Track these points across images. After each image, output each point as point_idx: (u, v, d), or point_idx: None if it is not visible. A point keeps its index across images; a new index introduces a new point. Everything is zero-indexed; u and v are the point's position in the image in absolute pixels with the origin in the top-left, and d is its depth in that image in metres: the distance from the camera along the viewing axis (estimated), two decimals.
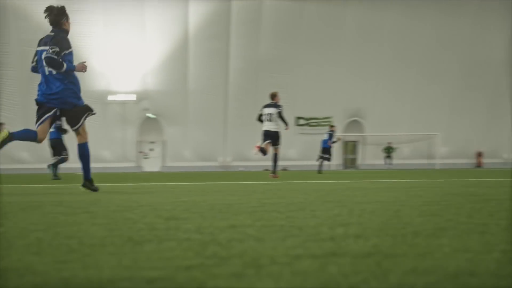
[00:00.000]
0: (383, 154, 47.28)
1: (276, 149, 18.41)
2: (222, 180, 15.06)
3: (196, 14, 44.23)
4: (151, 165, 46.78)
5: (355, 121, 48.23)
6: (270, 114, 18.26)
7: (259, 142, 18.40)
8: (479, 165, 47.24)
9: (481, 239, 3.05)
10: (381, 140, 47.29)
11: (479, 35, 44.31)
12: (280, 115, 18.15)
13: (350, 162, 49.67)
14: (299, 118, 47.39)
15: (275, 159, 18.43)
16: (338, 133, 47.44)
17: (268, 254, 2.63)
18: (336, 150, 48.50)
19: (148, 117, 46.43)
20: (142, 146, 47.49)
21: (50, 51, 8.47)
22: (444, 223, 3.84)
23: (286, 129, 18.29)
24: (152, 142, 47.62)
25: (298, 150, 46.20)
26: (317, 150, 30.96)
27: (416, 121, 46.75)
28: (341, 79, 46.32)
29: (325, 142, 28.88)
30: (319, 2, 44.66)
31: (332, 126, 30.02)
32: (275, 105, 18.28)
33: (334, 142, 29.25)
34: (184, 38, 44.62)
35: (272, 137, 18.22)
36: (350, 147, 50.05)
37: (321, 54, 45.65)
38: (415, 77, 45.54)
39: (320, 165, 28.40)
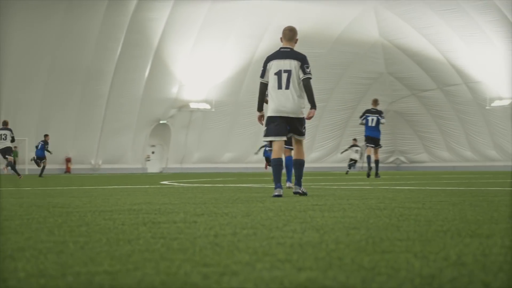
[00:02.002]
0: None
1: (10, 158, 25.43)
2: None
3: None
4: None
5: None
6: (5, 135, 24.90)
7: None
8: (67, 170, 47.70)
9: (58, 260, 3.06)
10: None
11: (67, 41, 44.55)
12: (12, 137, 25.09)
13: None
14: None
15: (13, 165, 25.83)
16: None
17: None
18: None
19: None
20: None
21: None
22: (24, 242, 3.79)
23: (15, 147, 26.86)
24: None
25: None
26: None
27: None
28: None
29: (39, 151, 32.91)
30: None
31: (46, 136, 33.48)
32: (7, 128, 25.14)
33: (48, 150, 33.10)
34: None
35: (6, 152, 25.25)
36: None
37: None
38: (8, 81, 44.24)
39: (42, 170, 32.19)
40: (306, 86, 9.02)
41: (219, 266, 2.84)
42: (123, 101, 47.45)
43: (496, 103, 50.23)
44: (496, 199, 7.84)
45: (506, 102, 49.68)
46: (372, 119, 21.77)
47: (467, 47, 49.08)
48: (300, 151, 9.35)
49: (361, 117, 22.13)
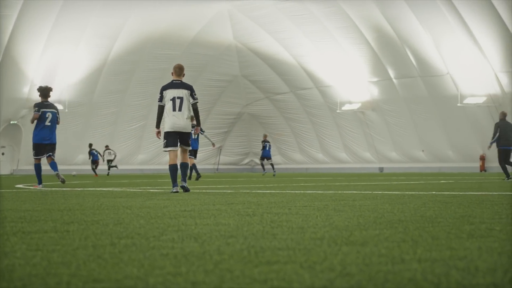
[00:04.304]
0: None
1: None
2: None
3: None
4: None
5: None
6: None
7: None
8: None
9: None
10: None
11: None
12: None
13: None
14: None
15: None
16: None
17: None
18: None
19: None
20: None
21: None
22: None
23: None
24: None
25: None
26: None
27: None
28: None
29: None
30: None
31: None
32: None
33: None
34: None
35: None
36: None
37: None
38: None
39: None
40: (195, 109, 12.20)
41: (110, 281, 2.81)
42: None
43: (346, 107, 51.96)
44: (357, 203, 8.14)
45: (355, 106, 51.50)
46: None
47: (319, 52, 50.49)
48: (185, 156, 12.43)
49: None
